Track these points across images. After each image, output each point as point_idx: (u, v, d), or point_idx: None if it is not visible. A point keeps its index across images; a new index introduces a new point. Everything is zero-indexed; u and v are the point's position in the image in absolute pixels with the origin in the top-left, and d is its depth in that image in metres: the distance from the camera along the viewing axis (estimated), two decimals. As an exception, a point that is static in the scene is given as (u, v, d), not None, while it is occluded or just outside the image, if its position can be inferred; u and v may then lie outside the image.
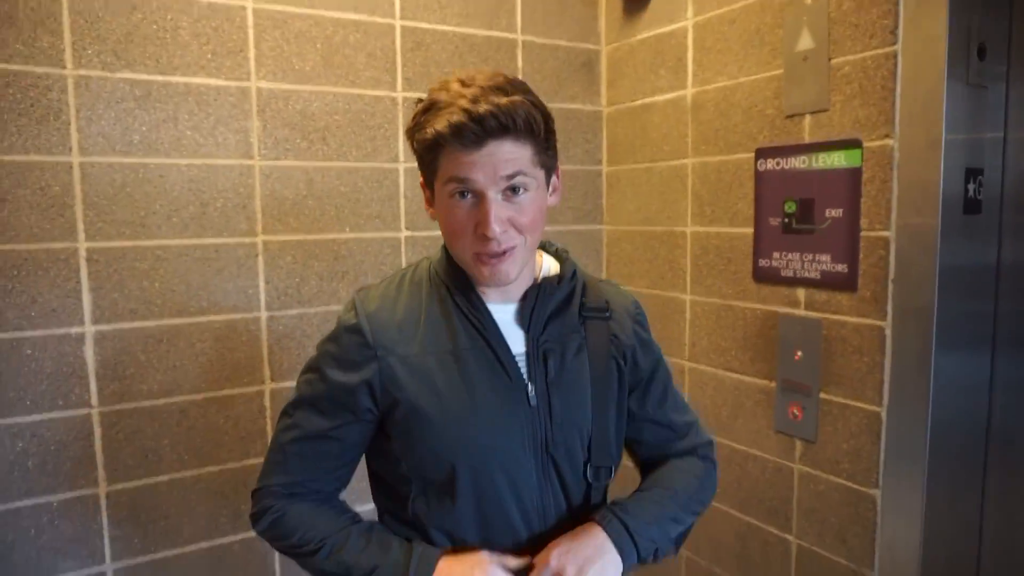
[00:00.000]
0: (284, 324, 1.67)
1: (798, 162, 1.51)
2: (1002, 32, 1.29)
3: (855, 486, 1.50)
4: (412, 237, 1.80)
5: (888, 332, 1.39)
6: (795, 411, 1.60)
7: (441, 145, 0.85)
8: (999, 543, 1.52)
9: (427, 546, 0.90)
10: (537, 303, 0.96)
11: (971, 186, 1.29)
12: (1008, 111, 1.31)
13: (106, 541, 1.56)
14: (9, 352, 1.42)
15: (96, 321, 1.49)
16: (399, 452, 0.92)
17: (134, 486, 1.58)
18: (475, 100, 0.83)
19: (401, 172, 1.79)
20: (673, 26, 1.82)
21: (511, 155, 0.85)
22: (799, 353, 1.56)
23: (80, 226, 1.46)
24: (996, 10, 1.28)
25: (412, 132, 0.89)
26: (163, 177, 1.53)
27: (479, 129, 0.82)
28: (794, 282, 1.56)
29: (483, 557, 0.87)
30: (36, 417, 1.46)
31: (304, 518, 0.91)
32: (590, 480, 0.95)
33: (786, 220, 1.55)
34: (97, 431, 1.52)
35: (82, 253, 1.47)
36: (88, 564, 1.55)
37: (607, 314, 1.01)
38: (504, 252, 0.87)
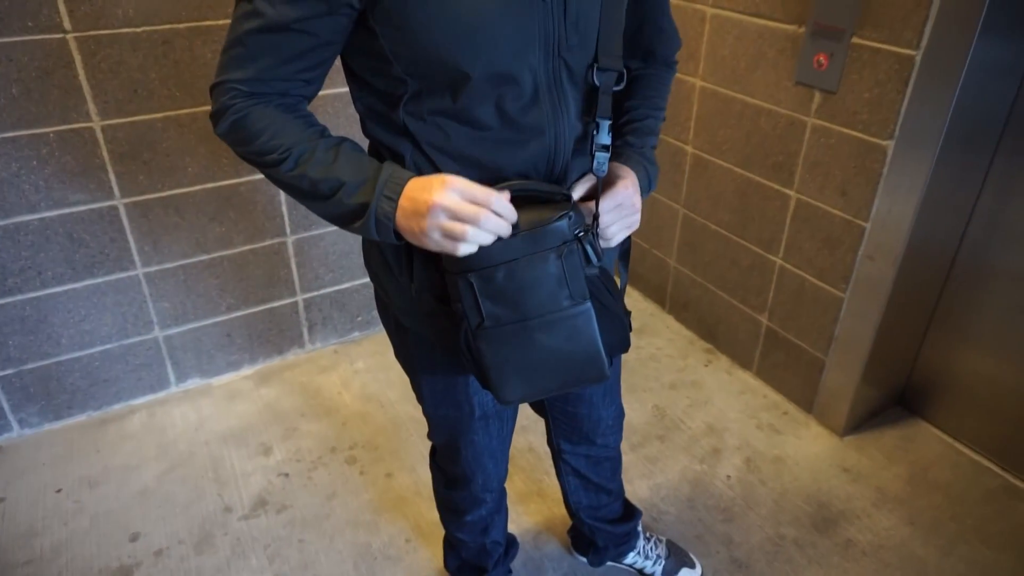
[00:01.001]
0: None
1: None
2: None
3: (868, 137, 1.46)
4: None
5: (947, -40, 1.22)
6: (821, 59, 1.49)
7: None
8: (986, 221, 1.53)
9: (397, 166, 0.79)
10: None
11: None
12: None
13: (111, 176, 1.57)
14: (-42, -40, 1.27)
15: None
16: (391, 50, 0.77)
17: (128, 122, 1.54)
18: None
19: None
20: None
21: None
22: (837, -10, 1.40)
23: None
24: None
25: None
26: None
27: None
28: (851, -99, 1.34)
29: (450, 176, 0.75)
30: (6, 40, 1.36)
31: (268, 123, 0.79)
32: (596, 83, 0.83)
33: None
34: (77, 58, 1.43)
35: None
36: (98, 198, 1.58)
37: None
38: None
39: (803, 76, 1.54)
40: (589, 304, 0.81)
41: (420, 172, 0.81)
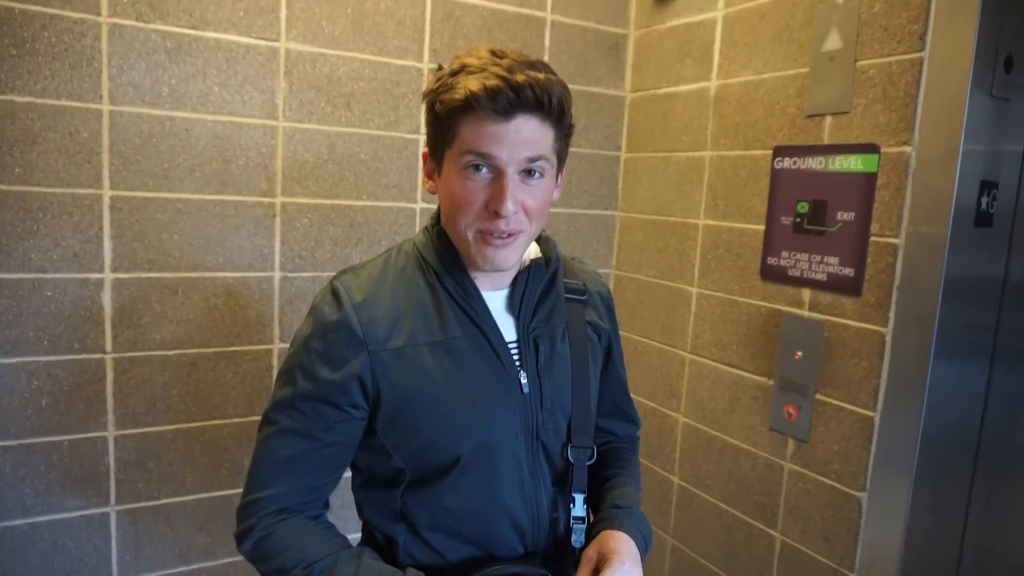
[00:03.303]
0: (296, 286, 1.71)
1: (815, 163, 1.51)
2: (1031, 46, 1.28)
3: (842, 487, 1.52)
4: (427, 209, 1.83)
5: (888, 338, 1.40)
6: (790, 410, 1.61)
7: (468, 110, 0.81)
8: (980, 552, 1.54)
9: (418, 572, 0.84)
10: (527, 289, 0.94)
11: (984, 199, 1.29)
12: (1030, 126, 1.31)
13: (112, 483, 1.62)
14: (30, 293, 1.47)
15: (115, 269, 1.53)
16: (392, 445, 0.87)
17: (141, 432, 1.63)
18: (511, 69, 0.80)
19: (421, 144, 1.80)
20: (703, 16, 1.82)
21: (535, 135, 0.83)
22: (799, 353, 1.58)
23: (106, 173, 1.49)
24: (1027, 23, 1.28)
25: (436, 93, 0.84)
26: (188, 131, 1.55)
27: (514, 98, 0.79)
28: (800, 282, 1.57)
29: None
30: (52, 358, 1.51)
31: (292, 538, 0.84)
32: (571, 460, 0.93)
33: (798, 220, 1.56)
34: (109, 375, 1.56)
35: (106, 200, 1.50)
36: (94, 504, 1.61)
37: (584, 297, 1.01)
38: (510, 235, 0.85)
39: (776, 424, 1.66)
40: None
41: (412, 556, 0.88)
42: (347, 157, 1.72)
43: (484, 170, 0.83)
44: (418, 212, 1.82)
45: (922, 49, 1.31)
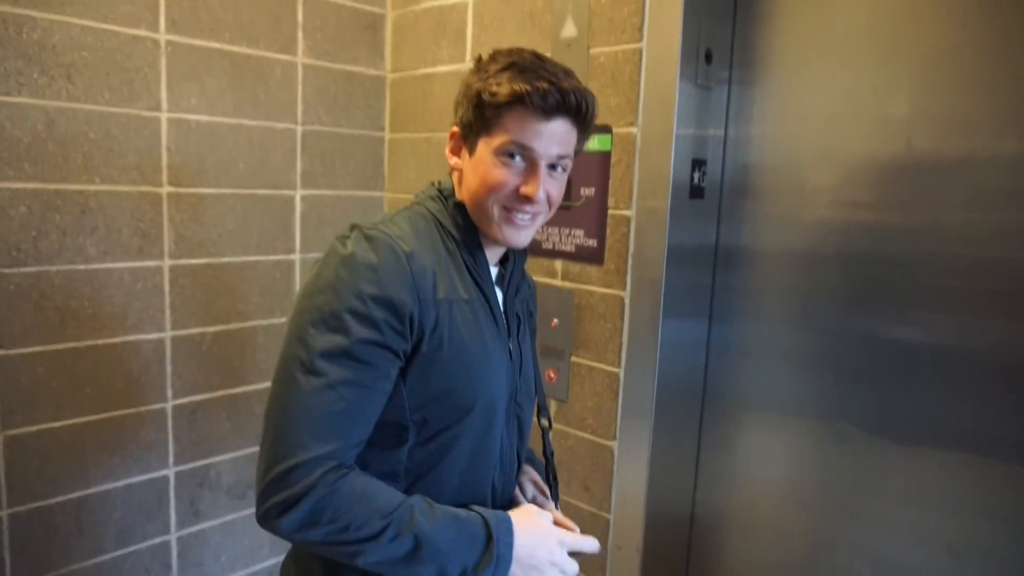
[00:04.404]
0: (16, 283, 1.50)
1: (559, 143, 1.63)
2: (726, 41, 1.48)
3: (597, 439, 1.67)
4: (175, 193, 1.69)
5: (627, 301, 1.56)
6: (551, 374, 1.74)
7: (516, 105, 0.91)
8: (710, 480, 1.78)
9: (496, 512, 0.94)
10: (514, 267, 1.08)
11: (696, 175, 1.48)
12: (728, 111, 1.51)
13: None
14: None
15: None
16: (411, 396, 0.91)
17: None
18: (556, 75, 0.92)
19: (164, 121, 1.66)
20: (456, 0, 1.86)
21: (567, 136, 0.95)
22: (555, 320, 1.70)
23: None
24: (722, 20, 1.47)
25: (484, 84, 0.93)
26: None
27: (561, 102, 0.91)
28: (553, 254, 1.69)
29: (549, 526, 0.98)
30: None
31: (360, 494, 0.83)
32: (545, 426, 1.17)
33: (548, 196, 1.67)
34: None
35: None
36: None
37: (531, 281, 1.21)
38: (532, 218, 0.97)
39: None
40: None
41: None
42: (73, 136, 1.54)
43: (518, 159, 0.94)
44: (164, 196, 1.68)
45: (640, 40, 1.46)
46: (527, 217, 0.97)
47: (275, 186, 1.87)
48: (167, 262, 1.70)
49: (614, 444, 1.65)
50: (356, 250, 0.88)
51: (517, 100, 0.91)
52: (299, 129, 1.91)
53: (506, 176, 0.94)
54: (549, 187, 0.96)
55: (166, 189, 1.68)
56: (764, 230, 1.51)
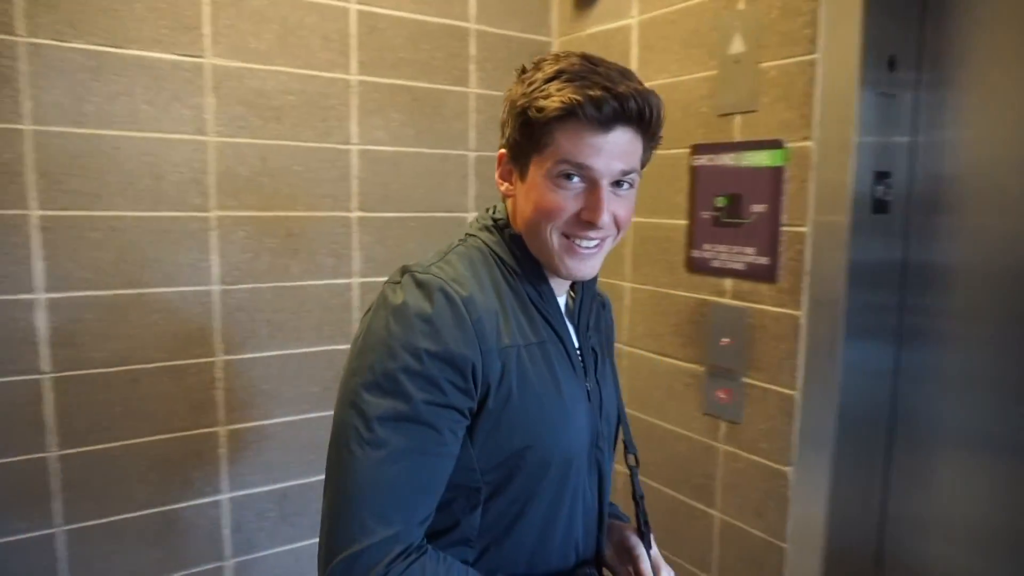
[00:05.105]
0: (236, 298, 1.73)
1: (728, 159, 1.60)
2: (912, 45, 1.38)
3: (771, 463, 1.61)
4: (364, 218, 1.86)
5: (803, 321, 1.49)
6: (722, 395, 1.70)
7: (568, 118, 0.79)
8: (900, 516, 1.64)
9: None
10: (584, 296, 0.95)
11: (879, 188, 1.39)
12: (915, 118, 1.41)
13: (58, 504, 1.61)
14: (-41, 317, 1.46)
15: (48, 289, 1.53)
16: (480, 457, 0.81)
17: (87, 451, 1.62)
18: (610, 78, 0.78)
19: (354, 154, 1.84)
20: (620, 23, 1.89)
21: (630, 147, 0.82)
22: (726, 339, 1.66)
23: (32, 193, 1.49)
24: (907, 24, 1.38)
25: (529, 98, 0.81)
26: (117, 149, 1.56)
27: (619, 110, 0.78)
28: (723, 272, 1.65)
29: None
30: (-14, 381, 1.50)
31: None
32: (632, 464, 1.00)
33: (717, 213, 1.64)
34: (49, 396, 1.56)
35: (34, 221, 1.50)
36: (40, 527, 1.60)
37: (606, 307, 1.06)
38: (597, 245, 0.85)
39: (710, 408, 1.74)
40: None
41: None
42: (280, 169, 1.75)
43: (576, 180, 0.82)
44: (353, 220, 1.85)
45: (815, 51, 1.40)
46: (592, 244, 0.85)
47: (450, 209, 1.99)
48: (356, 280, 1.87)
49: (789, 470, 1.58)
50: (408, 298, 0.78)
51: (568, 113, 0.78)
52: (471, 155, 2.02)
53: (563, 201, 0.81)
54: (615, 208, 0.83)
55: (355, 214, 1.85)
56: (958, 245, 1.38)
